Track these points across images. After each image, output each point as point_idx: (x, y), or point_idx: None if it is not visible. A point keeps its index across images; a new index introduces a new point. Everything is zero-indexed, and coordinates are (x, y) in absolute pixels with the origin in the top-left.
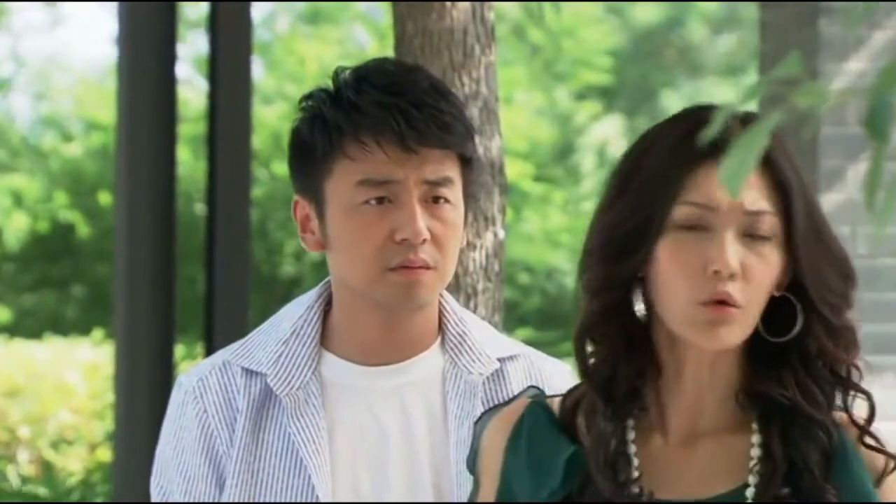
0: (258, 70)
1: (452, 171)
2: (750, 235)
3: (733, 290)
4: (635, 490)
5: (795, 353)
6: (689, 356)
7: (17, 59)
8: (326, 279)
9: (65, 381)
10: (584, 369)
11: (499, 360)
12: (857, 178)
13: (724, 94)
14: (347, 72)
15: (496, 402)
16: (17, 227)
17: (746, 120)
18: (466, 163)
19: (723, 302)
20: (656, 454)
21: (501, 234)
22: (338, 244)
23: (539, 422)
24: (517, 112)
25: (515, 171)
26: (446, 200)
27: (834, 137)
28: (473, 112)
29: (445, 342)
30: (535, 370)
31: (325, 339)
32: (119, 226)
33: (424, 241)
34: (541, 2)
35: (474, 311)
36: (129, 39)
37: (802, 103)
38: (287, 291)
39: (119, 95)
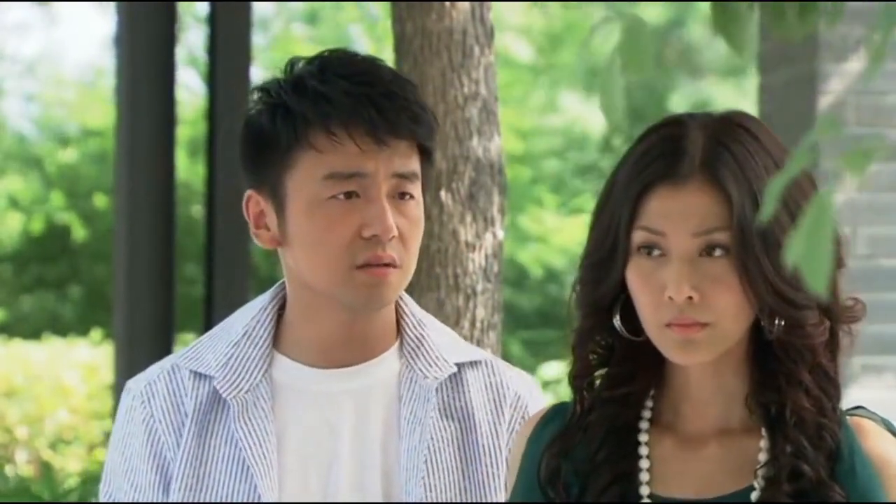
0: (255, 71)
1: (416, 165)
2: (704, 255)
3: (692, 312)
4: (643, 489)
5: (793, 357)
6: (689, 365)
7: (9, 60)
8: (280, 281)
9: (63, 381)
10: (576, 373)
11: (458, 364)
12: (856, 178)
13: (724, 94)
14: (303, 62)
15: (452, 409)
16: (12, 228)
17: (707, 127)
18: (427, 157)
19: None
20: (667, 454)
21: (501, 234)
22: (300, 241)
23: (555, 420)
24: (516, 114)
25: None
26: (411, 196)
27: (834, 137)
28: (473, 112)
29: (403, 345)
30: (496, 378)
31: (277, 342)
32: (119, 227)
33: (392, 237)
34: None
35: (474, 312)
36: (128, 40)
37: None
38: None
39: (118, 97)
